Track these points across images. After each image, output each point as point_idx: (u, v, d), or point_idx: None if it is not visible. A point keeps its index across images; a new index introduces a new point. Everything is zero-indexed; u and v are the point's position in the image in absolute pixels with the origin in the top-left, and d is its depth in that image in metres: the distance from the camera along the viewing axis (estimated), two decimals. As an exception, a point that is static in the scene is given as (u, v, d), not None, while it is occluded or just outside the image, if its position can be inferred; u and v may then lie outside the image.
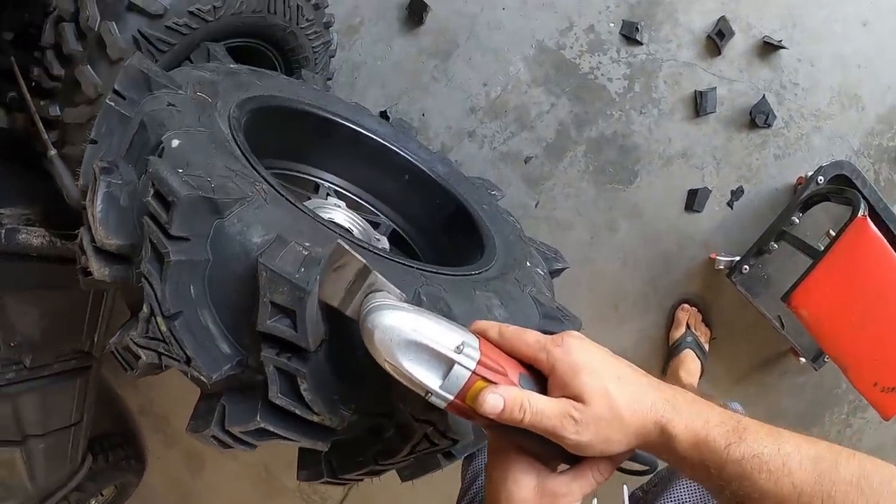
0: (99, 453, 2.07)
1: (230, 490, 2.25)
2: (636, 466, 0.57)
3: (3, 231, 1.26)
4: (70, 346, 1.59)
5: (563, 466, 0.53)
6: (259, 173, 0.78)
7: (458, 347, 0.49)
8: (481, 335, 0.53)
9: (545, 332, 0.87)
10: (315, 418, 0.66)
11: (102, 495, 2.22)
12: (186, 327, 0.67)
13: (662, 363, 1.61)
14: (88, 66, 1.07)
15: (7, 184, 1.39)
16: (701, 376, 1.55)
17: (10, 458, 1.59)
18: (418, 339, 0.49)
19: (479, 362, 0.49)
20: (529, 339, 0.52)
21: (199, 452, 2.26)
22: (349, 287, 0.55)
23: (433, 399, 0.50)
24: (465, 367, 0.49)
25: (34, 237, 1.32)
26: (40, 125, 1.18)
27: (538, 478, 0.51)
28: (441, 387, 0.49)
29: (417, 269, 0.80)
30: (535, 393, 0.49)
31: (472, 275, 0.89)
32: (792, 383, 1.63)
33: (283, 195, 0.76)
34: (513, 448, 0.53)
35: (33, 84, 1.21)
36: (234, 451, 0.74)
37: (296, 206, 0.75)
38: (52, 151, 1.18)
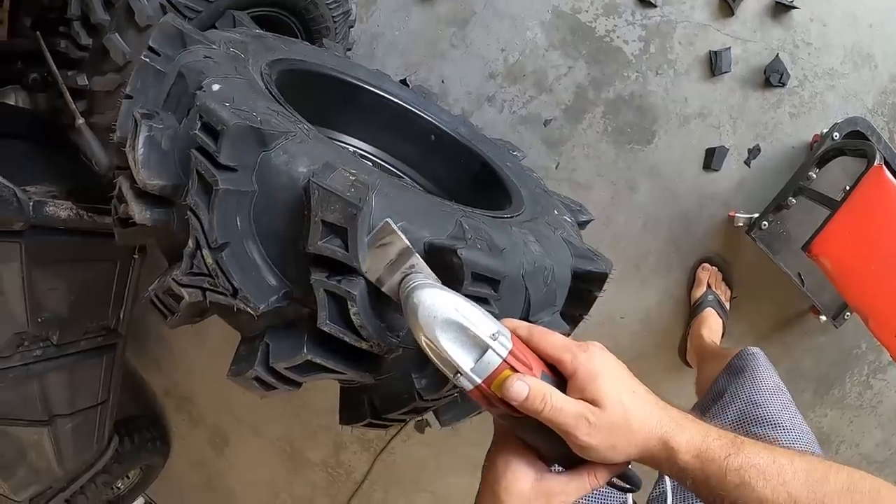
0: (125, 436, 2.08)
1: (255, 466, 2.26)
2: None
3: (32, 203, 1.26)
4: (96, 322, 1.59)
5: (559, 469, 0.55)
6: (297, 117, 0.79)
7: (493, 335, 0.51)
8: (512, 331, 0.55)
9: (579, 272, 0.88)
10: (364, 345, 0.66)
11: (128, 478, 2.23)
12: (233, 259, 0.67)
13: (685, 322, 1.62)
14: (116, 34, 1.08)
15: (32, 163, 1.40)
16: (722, 336, 1.55)
17: (37, 438, 1.59)
18: (459, 319, 0.51)
19: (510, 352, 0.51)
20: (557, 341, 0.54)
21: (223, 430, 2.27)
22: (390, 265, 0.58)
23: (460, 379, 0.51)
24: (497, 353, 0.51)
25: (61, 209, 1.32)
26: (67, 95, 1.19)
27: (537, 473, 0.54)
28: (472, 369, 0.51)
29: (457, 206, 0.82)
30: (556, 389, 0.52)
31: (506, 217, 0.91)
32: (813, 343, 1.64)
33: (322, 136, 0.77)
34: (518, 442, 0.55)
35: (55, 62, 1.22)
36: (270, 396, 0.72)
37: (336, 144, 0.76)
38: (81, 120, 1.20)
